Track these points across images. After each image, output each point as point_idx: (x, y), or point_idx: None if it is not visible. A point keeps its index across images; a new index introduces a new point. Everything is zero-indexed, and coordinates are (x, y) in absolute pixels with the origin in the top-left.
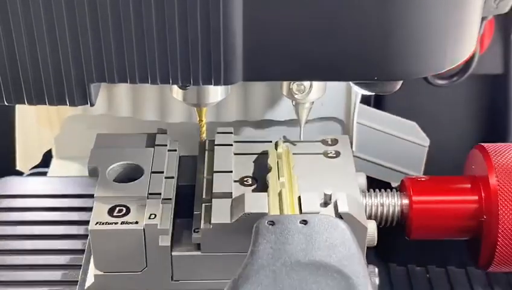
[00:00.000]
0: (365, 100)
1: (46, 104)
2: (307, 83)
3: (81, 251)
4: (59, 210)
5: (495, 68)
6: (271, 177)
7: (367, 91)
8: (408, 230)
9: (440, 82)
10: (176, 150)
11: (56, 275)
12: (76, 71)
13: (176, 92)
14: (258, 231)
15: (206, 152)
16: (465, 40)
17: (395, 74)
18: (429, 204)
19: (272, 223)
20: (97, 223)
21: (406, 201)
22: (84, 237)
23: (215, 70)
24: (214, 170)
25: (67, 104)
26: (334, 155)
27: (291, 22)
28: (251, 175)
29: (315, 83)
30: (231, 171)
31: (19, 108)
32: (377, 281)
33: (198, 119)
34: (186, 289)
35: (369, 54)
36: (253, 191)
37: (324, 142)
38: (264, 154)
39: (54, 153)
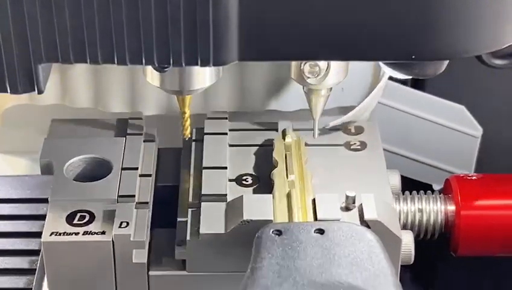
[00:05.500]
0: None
1: None
2: (322, 64)
3: (31, 271)
4: (1, 219)
5: None
6: (277, 174)
7: (402, 74)
8: (454, 244)
9: (498, 62)
10: (153, 141)
11: None
12: (20, 48)
13: (151, 75)
14: (261, 243)
15: (193, 143)
16: None
17: (439, 52)
18: (482, 210)
19: (279, 232)
20: (52, 233)
21: (451, 206)
22: (34, 253)
23: (202, 46)
24: (204, 165)
25: (7, 92)
26: (359, 147)
27: None
28: (251, 172)
29: (333, 64)
30: (225, 168)
31: None
32: None
33: (180, 110)
34: None
35: (405, 24)
36: (254, 192)
37: (346, 130)
38: (268, 146)
39: None
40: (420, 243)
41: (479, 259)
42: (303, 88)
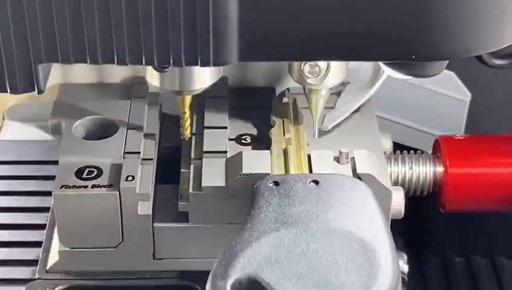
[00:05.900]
0: None
1: None
2: (322, 64)
3: (42, 226)
4: (15, 179)
5: None
6: (274, 133)
7: (402, 74)
8: (442, 201)
9: (498, 62)
10: (157, 104)
11: (12, 253)
12: (20, 48)
13: (151, 74)
14: (259, 192)
15: (195, 106)
16: None
17: (439, 52)
18: (468, 168)
19: (276, 183)
20: (62, 186)
21: (439, 164)
22: (44, 210)
23: (202, 46)
24: (205, 125)
25: (7, 92)
26: None
27: None
28: (250, 133)
29: (333, 64)
30: (226, 128)
31: None
32: (406, 268)
33: (180, 110)
34: (170, 270)
35: (404, 24)
36: (253, 149)
37: (340, 94)
38: (266, 108)
39: (5, 114)
40: (412, 204)
41: (470, 221)
42: (303, 88)
